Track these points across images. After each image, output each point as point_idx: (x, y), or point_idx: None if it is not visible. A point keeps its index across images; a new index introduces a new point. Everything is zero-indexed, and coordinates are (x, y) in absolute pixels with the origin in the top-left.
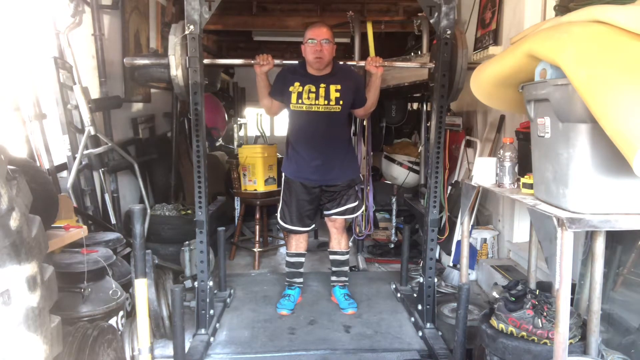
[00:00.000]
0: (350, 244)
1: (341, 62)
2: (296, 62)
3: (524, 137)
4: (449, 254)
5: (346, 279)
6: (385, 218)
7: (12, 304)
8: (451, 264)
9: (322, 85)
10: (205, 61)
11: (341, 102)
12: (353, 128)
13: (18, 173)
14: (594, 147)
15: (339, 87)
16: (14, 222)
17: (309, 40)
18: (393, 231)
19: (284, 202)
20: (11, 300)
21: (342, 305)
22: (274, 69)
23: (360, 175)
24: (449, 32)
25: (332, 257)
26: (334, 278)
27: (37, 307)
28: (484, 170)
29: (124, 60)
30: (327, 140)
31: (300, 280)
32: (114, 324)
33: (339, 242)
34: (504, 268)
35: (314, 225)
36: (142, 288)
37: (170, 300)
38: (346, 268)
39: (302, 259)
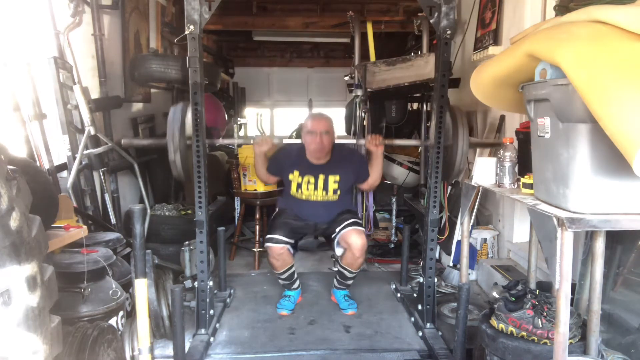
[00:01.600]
0: None
1: (341, 141)
2: (298, 141)
3: (524, 137)
4: (449, 254)
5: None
6: (385, 218)
7: (12, 304)
8: (451, 264)
9: (321, 176)
10: (207, 141)
11: (339, 192)
12: (353, 128)
13: (18, 173)
14: (594, 147)
15: (337, 178)
16: (14, 222)
17: (309, 132)
18: (393, 231)
19: (273, 218)
20: (11, 300)
21: (342, 305)
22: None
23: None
24: (449, 32)
25: (340, 269)
26: (336, 284)
27: (37, 307)
28: (484, 170)
29: (122, 141)
30: (324, 218)
31: (298, 284)
32: (114, 324)
33: (354, 261)
34: (504, 268)
35: (292, 242)
36: (142, 288)
37: (170, 300)
38: (351, 282)
39: (292, 270)
